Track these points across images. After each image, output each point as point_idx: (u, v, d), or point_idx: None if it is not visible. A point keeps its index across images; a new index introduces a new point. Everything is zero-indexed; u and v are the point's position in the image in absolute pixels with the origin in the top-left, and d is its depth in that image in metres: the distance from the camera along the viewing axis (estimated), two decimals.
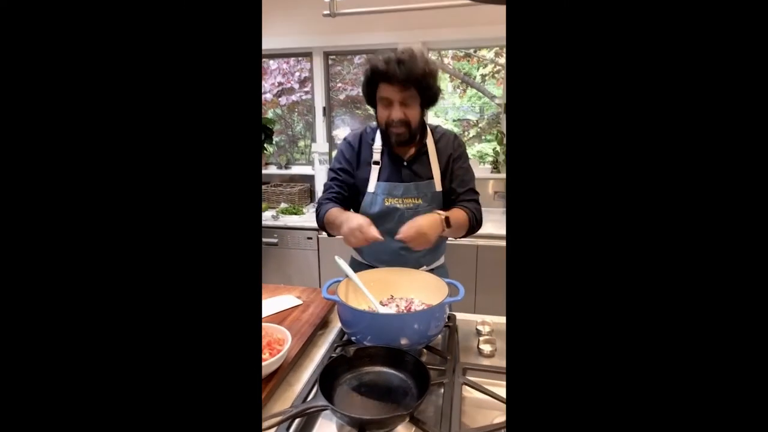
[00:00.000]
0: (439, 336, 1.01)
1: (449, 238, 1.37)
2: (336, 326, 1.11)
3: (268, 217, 2.52)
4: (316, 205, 1.29)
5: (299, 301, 1.18)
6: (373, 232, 1.04)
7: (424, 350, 0.96)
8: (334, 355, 0.93)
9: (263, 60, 2.97)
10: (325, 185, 1.30)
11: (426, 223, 1.07)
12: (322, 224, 1.23)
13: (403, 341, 0.89)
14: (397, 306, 1.06)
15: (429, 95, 1.17)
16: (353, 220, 1.07)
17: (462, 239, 2.14)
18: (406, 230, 1.05)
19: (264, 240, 2.45)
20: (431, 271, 1.32)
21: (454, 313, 1.13)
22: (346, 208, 1.26)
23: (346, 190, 1.27)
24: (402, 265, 1.25)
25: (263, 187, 2.79)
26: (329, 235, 1.25)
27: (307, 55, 2.79)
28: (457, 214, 1.19)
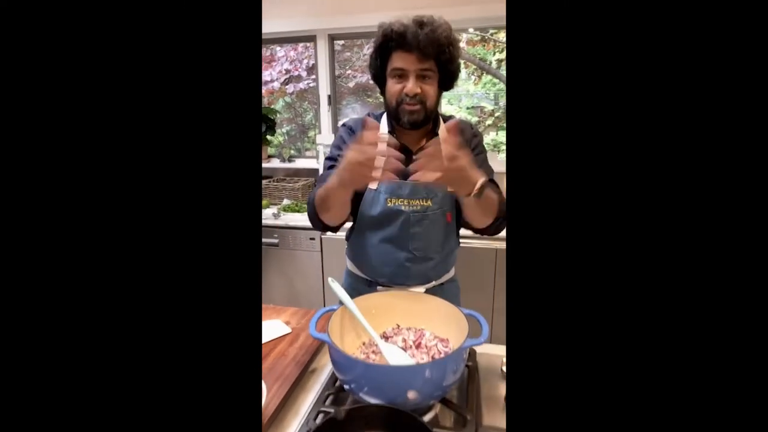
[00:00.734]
0: None
1: (460, 244, 1.15)
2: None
3: (268, 215, 2.34)
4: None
5: (287, 329, 0.99)
6: (371, 137, 0.76)
7: (437, 402, 0.76)
8: (323, 410, 0.74)
9: (270, 47, 2.77)
10: (320, 177, 1.07)
11: (468, 164, 0.78)
12: (313, 210, 0.97)
13: (411, 395, 0.70)
14: (405, 340, 0.86)
15: (449, 71, 0.97)
16: (347, 157, 0.78)
17: (479, 241, 1.95)
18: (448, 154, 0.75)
19: (264, 240, 2.27)
20: (441, 285, 1.12)
21: (474, 346, 0.93)
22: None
23: None
24: (407, 279, 1.06)
25: (264, 182, 2.60)
26: (322, 227, 0.99)
27: (311, 39, 2.58)
28: (488, 192, 0.92)
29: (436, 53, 0.92)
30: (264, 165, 2.70)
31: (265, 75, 2.87)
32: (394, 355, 0.80)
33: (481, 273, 1.93)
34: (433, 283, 1.10)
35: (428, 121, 1.00)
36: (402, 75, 0.95)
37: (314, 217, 0.98)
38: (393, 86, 0.97)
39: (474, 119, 2.65)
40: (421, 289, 1.07)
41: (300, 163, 2.76)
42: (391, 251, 1.03)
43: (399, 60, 0.94)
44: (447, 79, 0.99)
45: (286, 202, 2.49)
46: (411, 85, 0.94)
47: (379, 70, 0.99)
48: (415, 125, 0.98)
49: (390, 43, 0.93)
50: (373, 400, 0.71)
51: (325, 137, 2.57)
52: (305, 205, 2.40)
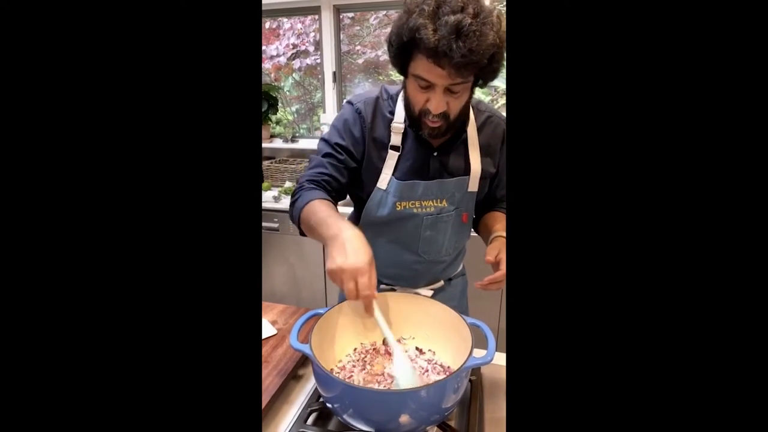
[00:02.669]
0: None
1: (470, 235, 1.03)
2: None
3: (269, 198, 2.24)
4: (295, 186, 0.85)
5: (273, 331, 0.90)
6: (373, 291, 0.66)
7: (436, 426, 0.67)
8: (303, 430, 0.65)
9: (277, 18, 2.63)
10: (313, 161, 0.87)
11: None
12: (297, 222, 0.80)
13: (403, 419, 0.60)
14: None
15: (490, 72, 0.73)
16: (347, 250, 0.65)
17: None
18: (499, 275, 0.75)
19: (264, 225, 2.18)
20: (449, 280, 1.02)
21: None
22: (337, 201, 0.86)
23: (345, 176, 0.85)
24: (415, 281, 0.95)
25: (266, 163, 2.50)
26: (302, 234, 0.82)
27: (315, 10, 2.43)
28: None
29: (476, 67, 0.68)
30: (267, 145, 2.59)
31: (271, 49, 2.73)
32: (402, 370, 0.68)
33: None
34: (442, 282, 1.00)
35: (454, 128, 0.82)
36: (427, 87, 0.73)
37: (295, 224, 0.83)
38: (414, 93, 0.76)
39: (487, 98, 2.50)
40: (429, 292, 0.97)
41: (304, 144, 2.64)
42: (398, 253, 0.91)
43: (424, 69, 0.70)
44: (486, 81, 0.76)
45: (288, 184, 2.39)
46: (436, 104, 0.73)
47: (397, 62, 0.76)
48: (436, 138, 0.82)
49: (415, 47, 0.69)
50: (358, 425, 0.61)
51: (330, 117, 2.45)
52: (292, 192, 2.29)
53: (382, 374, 0.72)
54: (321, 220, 0.72)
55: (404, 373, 0.68)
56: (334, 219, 0.71)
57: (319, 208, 0.74)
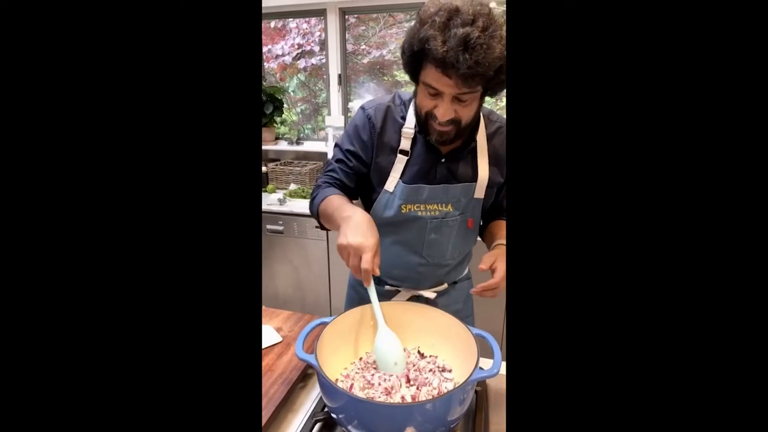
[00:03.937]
0: None
1: (476, 241, 1.04)
2: None
3: (274, 200, 2.25)
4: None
5: (278, 338, 0.90)
6: (374, 268, 0.70)
7: None
8: None
9: (281, 19, 2.62)
10: (327, 164, 0.94)
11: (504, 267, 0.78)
12: (316, 216, 0.90)
13: (409, 431, 0.60)
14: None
15: (497, 84, 0.75)
16: (356, 230, 0.71)
17: None
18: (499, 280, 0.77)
19: (268, 227, 2.19)
20: (454, 284, 1.02)
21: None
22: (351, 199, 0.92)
23: (353, 180, 0.91)
24: (419, 283, 0.96)
25: (271, 165, 2.51)
26: (322, 228, 0.91)
27: (320, 13, 2.43)
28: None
29: (483, 78, 0.70)
30: (272, 147, 2.60)
31: (277, 48, 2.74)
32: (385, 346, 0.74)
33: None
34: (446, 285, 1.00)
35: (462, 136, 0.83)
36: (436, 94, 0.75)
37: (317, 220, 0.91)
38: (423, 99, 0.78)
39: (491, 100, 2.49)
40: (432, 294, 0.97)
41: (309, 146, 2.65)
42: (403, 254, 0.93)
43: (433, 78, 0.73)
44: (494, 92, 0.78)
45: (293, 187, 2.39)
46: (443, 111, 0.75)
47: (408, 69, 0.78)
48: (444, 144, 0.83)
49: (423, 58, 0.72)
50: None
51: (335, 119, 2.45)
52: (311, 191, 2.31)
53: (387, 384, 0.72)
54: (337, 207, 0.80)
55: (387, 348, 0.74)
56: (348, 205, 0.80)
57: (335, 199, 0.84)
